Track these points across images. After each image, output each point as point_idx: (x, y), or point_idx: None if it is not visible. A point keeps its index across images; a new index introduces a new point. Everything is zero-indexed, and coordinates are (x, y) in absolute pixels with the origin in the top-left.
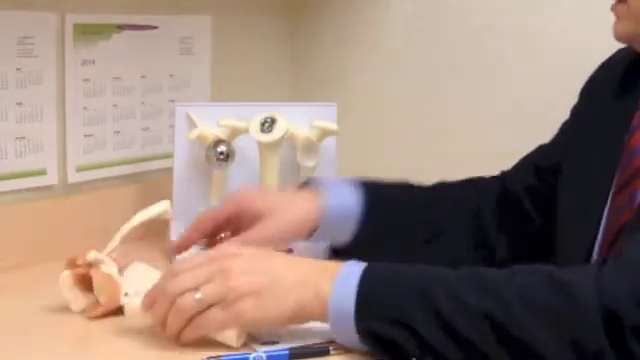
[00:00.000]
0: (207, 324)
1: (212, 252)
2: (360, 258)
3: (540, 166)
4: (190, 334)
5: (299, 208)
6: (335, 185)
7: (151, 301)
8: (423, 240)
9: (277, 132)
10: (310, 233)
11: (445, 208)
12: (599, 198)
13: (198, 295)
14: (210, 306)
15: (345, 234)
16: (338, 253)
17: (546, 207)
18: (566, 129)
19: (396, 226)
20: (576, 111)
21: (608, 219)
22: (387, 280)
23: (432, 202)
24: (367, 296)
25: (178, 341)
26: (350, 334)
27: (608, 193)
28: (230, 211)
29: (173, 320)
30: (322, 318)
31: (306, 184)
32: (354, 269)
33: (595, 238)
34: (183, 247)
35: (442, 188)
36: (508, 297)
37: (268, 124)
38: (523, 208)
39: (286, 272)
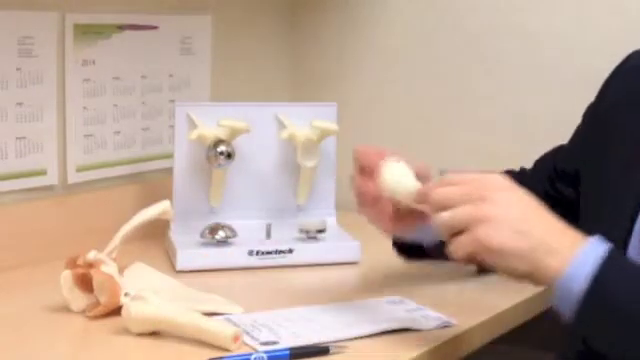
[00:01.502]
0: (455, 249)
1: (485, 176)
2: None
3: (555, 170)
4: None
5: None
6: None
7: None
8: None
9: None
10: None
11: None
12: (627, 212)
13: (447, 215)
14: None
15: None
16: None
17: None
18: (582, 135)
19: None
20: (594, 113)
21: None
22: (620, 283)
23: None
24: (594, 297)
25: None
26: (568, 316)
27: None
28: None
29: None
30: (550, 286)
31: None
32: (593, 256)
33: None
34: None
35: None
36: None
37: None
38: None
39: (535, 231)
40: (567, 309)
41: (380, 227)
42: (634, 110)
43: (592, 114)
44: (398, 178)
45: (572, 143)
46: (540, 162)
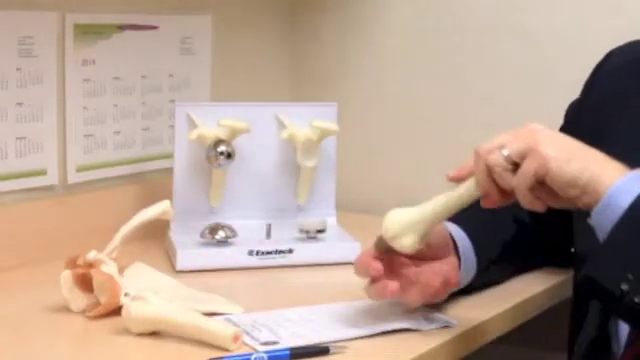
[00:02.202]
0: (521, 180)
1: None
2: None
3: None
4: (518, 194)
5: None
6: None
7: (464, 167)
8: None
9: None
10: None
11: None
12: None
13: (505, 151)
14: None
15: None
16: None
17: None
18: (570, 133)
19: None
20: (579, 110)
21: None
22: None
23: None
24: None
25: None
26: (603, 234)
27: None
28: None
29: (487, 183)
30: (599, 199)
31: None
32: None
33: None
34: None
35: None
36: None
37: None
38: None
39: (587, 149)
40: (609, 220)
41: (408, 298)
42: (625, 112)
43: (577, 112)
44: (403, 221)
45: None
46: None
